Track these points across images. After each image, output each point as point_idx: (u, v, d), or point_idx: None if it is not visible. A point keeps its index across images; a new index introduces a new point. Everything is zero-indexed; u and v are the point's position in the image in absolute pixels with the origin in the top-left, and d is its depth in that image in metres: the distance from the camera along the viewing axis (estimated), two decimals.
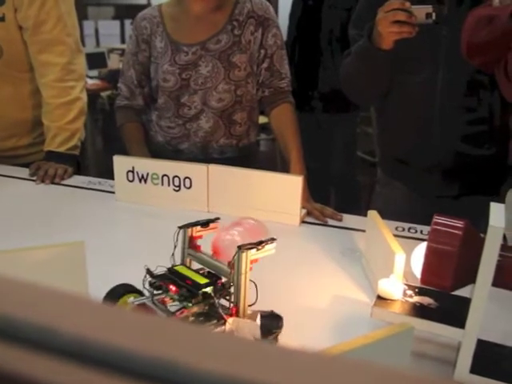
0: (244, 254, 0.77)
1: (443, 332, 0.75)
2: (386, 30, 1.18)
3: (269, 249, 0.80)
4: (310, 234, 1.25)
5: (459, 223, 0.72)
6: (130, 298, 0.82)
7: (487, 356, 0.77)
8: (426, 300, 0.80)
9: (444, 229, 0.72)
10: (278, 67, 1.54)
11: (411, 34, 1.16)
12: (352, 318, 0.90)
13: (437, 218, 0.74)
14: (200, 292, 0.76)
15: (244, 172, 1.30)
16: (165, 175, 1.35)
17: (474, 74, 1.26)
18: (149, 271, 0.82)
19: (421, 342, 0.82)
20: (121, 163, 1.39)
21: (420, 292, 0.82)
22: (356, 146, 2.53)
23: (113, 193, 1.47)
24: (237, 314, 0.78)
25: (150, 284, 0.80)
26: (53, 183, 1.55)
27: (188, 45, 1.50)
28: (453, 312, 0.77)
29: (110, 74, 3.95)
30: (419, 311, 0.77)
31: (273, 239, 0.80)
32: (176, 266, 0.86)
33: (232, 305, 0.79)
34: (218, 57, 1.49)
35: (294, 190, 1.25)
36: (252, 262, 0.79)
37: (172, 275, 0.82)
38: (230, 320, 0.75)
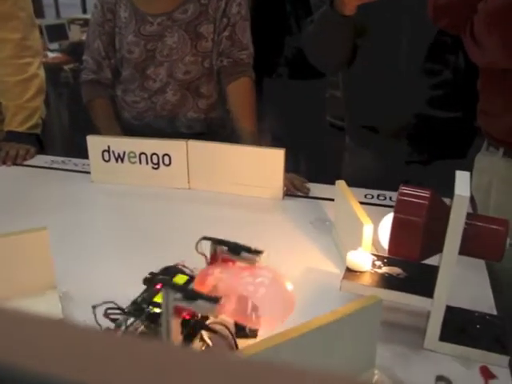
0: (165, 293, 0.65)
1: (412, 302, 0.75)
2: None
3: (202, 305, 0.63)
4: (281, 206, 1.24)
5: (425, 193, 0.72)
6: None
7: (456, 322, 0.78)
8: (395, 270, 0.80)
9: (410, 199, 0.72)
10: (240, 37, 1.49)
11: None
12: (324, 291, 0.89)
13: (402, 189, 0.73)
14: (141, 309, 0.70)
15: (225, 147, 1.27)
16: (142, 153, 1.31)
17: (437, 37, 1.25)
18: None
19: (391, 311, 0.83)
20: (95, 143, 1.34)
21: (389, 262, 0.82)
22: (325, 112, 2.50)
23: (80, 172, 1.43)
24: None
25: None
26: (15, 164, 1.50)
27: (153, 15, 1.44)
28: (422, 281, 0.77)
29: (72, 46, 3.84)
30: (388, 282, 0.77)
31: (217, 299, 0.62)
32: (182, 274, 0.78)
33: None
34: (184, 28, 1.43)
35: (276, 164, 1.23)
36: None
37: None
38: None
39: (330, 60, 1.43)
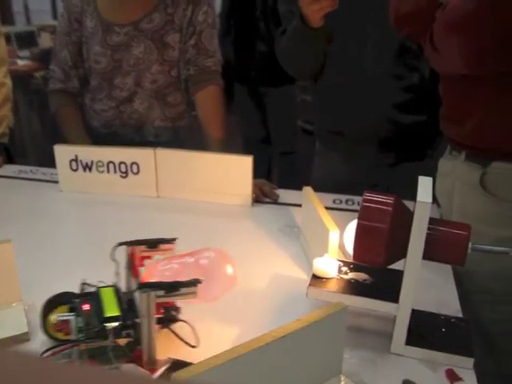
0: (145, 296, 0.64)
1: (378, 307, 0.76)
2: (308, 10, 1.18)
3: (185, 292, 0.65)
4: (250, 213, 1.24)
5: (389, 199, 0.72)
6: (59, 314, 0.72)
7: (422, 326, 0.79)
8: (361, 275, 0.81)
9: (374, 205, 0.72)
10: (207, 45, 1.48)
11: (334, 6, 1.15)
12: (291, 298, 0.89)
13: (366, 195, 0.74)
14: (100, 326, 0.66)
15: (193, 154, 1.27)
16: (110, 162, 1.30)
17: (402, 43, 1.27)
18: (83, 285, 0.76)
19: (358, 317, 0.83)
20: (63, 152, 1.33)
21: (355, 268, 0.83)
22: (296, 117, 2.51)
23: (49, 181, 1.42)
24: (141, 361, 0.67)
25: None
26: None
27: (120, 25, 1.43)
28: (387, 286, 0.77)
29: (42, 53, 3.78)
30: (354, 288, 0.78)
31: (196, 281, 0.65)
32: (104, 287, 0.74)
33: (137, 348, 0.67)
34: (150, 37, 1.43)
35: (244, 171, 1.23)
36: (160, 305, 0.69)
37: (90, 298, 0.71)
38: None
39: (303, 69, 1.44)
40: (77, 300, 0.71)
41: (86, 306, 0.69)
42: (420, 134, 1.38)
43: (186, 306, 0.71)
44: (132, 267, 0.76)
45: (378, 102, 1.33)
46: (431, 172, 1.35)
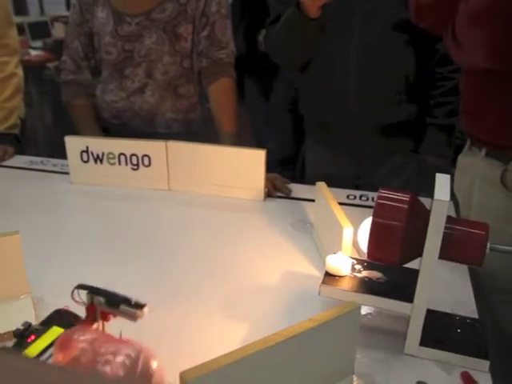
0: None
1: (391, 307, 0.74)
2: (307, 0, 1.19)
3: None
4: (262, 208, 1.22)
5: (405, 197, 0.70)
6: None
7: (437, 327, 0.77)
8: (375, 274, 0.79)
9: (389, 203, 0.70)
10: (220, 36, 1.46)
11: None
12: (304, 295, 0.88)
13: (382, 192, 0.72)
14: None
15: (205, 147, 1.25)
16: (122, 154, 1.29)
17: (388, 36, 1.27)
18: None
19: (371, 316, 0.82)
20: (74, 144, 1.32)
21: (369, 266, 0.81)
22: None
23: (60, 173, 1.41)
24: None
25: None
26: None
27: (132, 15, 1.42)
28: (402, 285, 0.76)
29: (56, 43, 3.78)
30: (367, 287, 0.76)
31: None
32: (58, 326, 0.68)
33: None
34: (162, 28, 1.41)
35: (257, 164, 1.21)
36: None
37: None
38: None
39: (295, 60, 1.43)
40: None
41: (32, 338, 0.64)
42: (406, 127, 1.37)
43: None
44: (89, 317, 0.66)
45: (364, 94, 1.32)
46: (419, 165, 1.35)
